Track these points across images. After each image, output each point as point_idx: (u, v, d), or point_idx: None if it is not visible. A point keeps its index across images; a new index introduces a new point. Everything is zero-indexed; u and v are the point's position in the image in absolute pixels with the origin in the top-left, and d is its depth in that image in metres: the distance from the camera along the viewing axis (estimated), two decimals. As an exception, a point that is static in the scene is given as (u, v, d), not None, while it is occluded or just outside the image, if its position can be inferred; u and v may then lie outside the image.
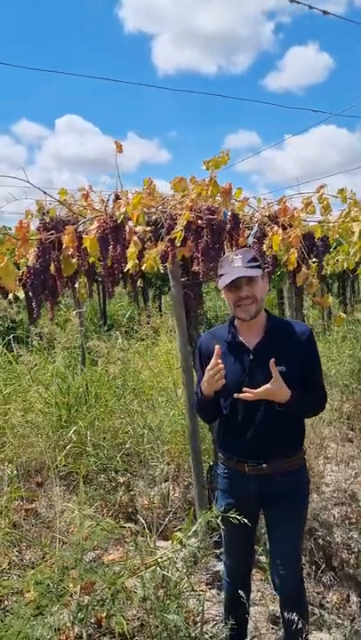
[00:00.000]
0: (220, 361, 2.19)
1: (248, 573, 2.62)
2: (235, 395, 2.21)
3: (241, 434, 2.32)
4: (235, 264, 2.23)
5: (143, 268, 2.55)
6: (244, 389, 2.19)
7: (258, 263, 2.26)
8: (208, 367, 2.21)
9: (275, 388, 2.15)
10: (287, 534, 2.36)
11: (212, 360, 2.20)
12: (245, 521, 2.20)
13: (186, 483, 4.29)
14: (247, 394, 2.17)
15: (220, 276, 2.27)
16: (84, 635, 2.43)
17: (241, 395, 2.19)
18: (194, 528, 2.46)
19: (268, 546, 2.55)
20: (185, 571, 2.57)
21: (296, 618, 2.21)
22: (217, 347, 2.21)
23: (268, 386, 2.15)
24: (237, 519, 2.20)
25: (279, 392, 2.16)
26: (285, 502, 2.31)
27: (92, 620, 2.74)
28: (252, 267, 2.22)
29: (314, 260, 3.35)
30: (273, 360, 2.15)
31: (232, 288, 2.23)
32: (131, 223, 2.50)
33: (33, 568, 2.95)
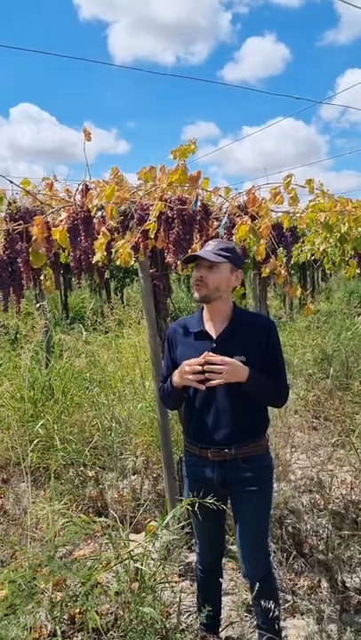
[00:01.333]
0: (202, 360, 2.22)
1: (219, 561, 2.65)
2: (205, 384, 2.23)
3: (203, 419, 2.36)
4: (207, 247, 2.31)
5: (118, 262, 2.50)
6: (207, 356, 2.22)
7: (228, 255, 2.29)
8: (189, 361, 2.25)
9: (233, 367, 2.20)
10: (253, 520, 2.40)
11: (199, 358, 2.24)
12: (216, 505, 2.23)
13: (155, 475, 4.28)
14: (212, 359, 2.20)
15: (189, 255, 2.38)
16: (58, 632, 2.40)
17: (205, 385, 2.23)
18: (167, 520, 2.45)
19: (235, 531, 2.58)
20: (159, 563, 2.56)
21: (269, 605, 2.23)
22: (207, 353, 2.25)
23: (229, 359, 2.20)
24: (206, 503, 2.22)
25: (238, 369, 2.21)
26: (249, 488, 2.34)
27: (66, 617, 2.70)
28: (217, 254, 2.26)
29: (282, 250, 3.36)
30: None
31: (197, 267, 2.31)
32: (100, 214, 2.45)
33: (2, 566, 2.89)
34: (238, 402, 2.30)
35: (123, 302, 12.16)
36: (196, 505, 2.27)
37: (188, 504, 2.33)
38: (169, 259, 2.50)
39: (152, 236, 2.51)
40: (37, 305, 5.70)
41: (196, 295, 2.33)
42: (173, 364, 2.45)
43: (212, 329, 2.37)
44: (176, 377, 2.34)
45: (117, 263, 2.41)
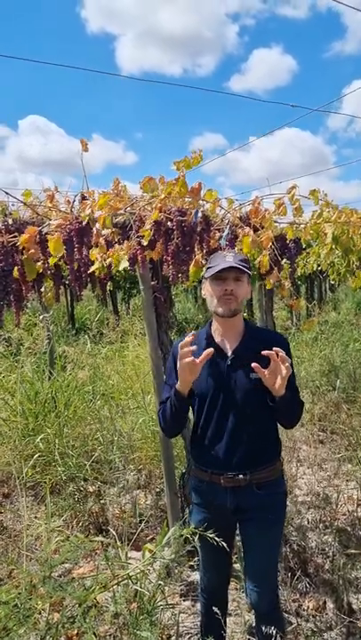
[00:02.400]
0: (192, 348, 2.03)
1: (225, 587, 2.52)
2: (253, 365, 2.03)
3: (215, 444, 2.23)
4: (227, 258, 2.19)
5: (113, 270, 2.45)
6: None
7: (248, 265, 2.22)
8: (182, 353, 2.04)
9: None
10: (264, 550, 2.29)
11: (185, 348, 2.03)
12: (223, 544, 2.10)
13: (158, 490, 4.21)
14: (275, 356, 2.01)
15: (209, 268, 2.22)
16: (54, 655, 2.32)
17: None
18: (164, 541, 2.37)
19: (243, 557, 2.48)
20: (158, 583, 2.48)
21: (273, 631, 2.14)
22: (190, 335, 2.07)
23: (278, 381, 2.04)
24: (215, 539, 2.09)
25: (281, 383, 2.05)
26: (262, 516, 2.23)
27: (63, 639, 2.63)
28: (243, 266, 2.17)
29: (286, 261, 3.31)
30: (255, 364, 2.03)
31: (219, 281, 2.17)
32: (98, 225, 2.41)
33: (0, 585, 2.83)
34: (253, 424, 2.20)
35: (129, 313, 12.13)
36: (204, 530, 2.17)
37: (201, 532, 2.22)
38: (166, 271, 2.44)
39: (145, 243, 2.45)
40: (41, 317, 5.68)
41: (224, 310, 2.17)
42: None
43: (225, 344, 2.26)
44: (180, 377, 2.11)
45: (112, 271, 2.35)
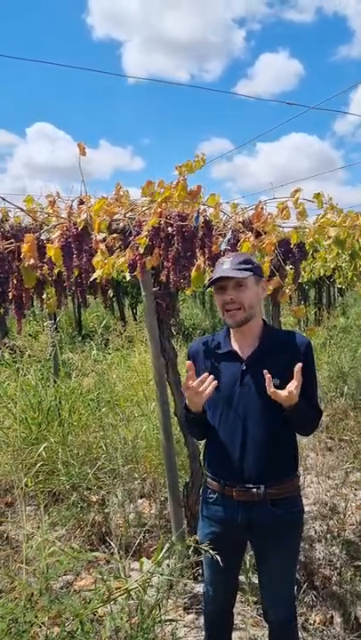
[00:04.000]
0: (196, 377, 2.02)
1: (231, 601, 2.39)
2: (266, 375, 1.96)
3: (229, 453, 2.11)
4: (224, 266, 2.07)
5: (118, 276, 2.40)
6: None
7: (249, 266, 2.08)
8: (188, 384, 2.03)
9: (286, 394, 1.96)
10: (281, 569, 2.18)
11: (190, 377, 2.03)
12: (228, 557, 2.04)
13: (162, 498, 4.14)
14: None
15: (210, 278, 2.12)
16: (53, 671, 2.26)
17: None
18: (162, 554, 2.29)
19: (256, 569, 2.40)
20: (159, 597, 2.42)
21: None
22: (188, 362, 2.06)
23: (285, 392, 1.96)
24: (218, 560, 2.03)
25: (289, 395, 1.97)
26: (279, 535, 2.11)
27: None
28: (241, 269, 2.04)
29: (291, 267, 3.24)
30: (268, 375, 1.96)
31: (219, 290, 2.08)
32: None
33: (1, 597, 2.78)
34: (271, 432, 2.07)
35: (136, 319, 12.08)
36: (211, 544, 2.11)
37: (205, 549, 2.14)
38: (163, 277, 2.39)
39: (141, 251, 2.40)
40: (46, 323, 5.65)
41: (229, 321, 2.09)
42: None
43: (241, 349, 2.15)
44: (189, 403, 2.10)
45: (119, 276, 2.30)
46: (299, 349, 2.12)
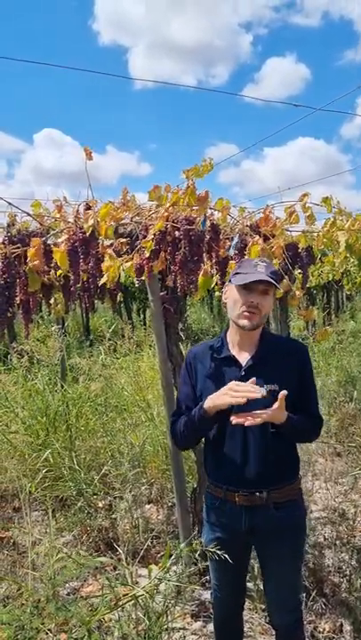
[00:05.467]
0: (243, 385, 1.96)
1: (239, 607, 2.39)
2: (232, 419, 1.95)
3: (231, 458, 2.11)
4: (258, 269, 2.06)
5: (125, 281, 2.39)
6: (234, 416, 1.95)
7: (277, 277, 2.11)
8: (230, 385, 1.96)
9: (274, 413, 1.95)
10: (285, 573, 2.18)
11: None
12: (234, 561, 2.02)
13: (170, 504, 4.12)
14: (244, 420, 1.93)
15: (237, 274, 2.10)
16: None
17: (237, 420, 1.94)
18: (170, 561, 2.27)
19: (261, 575, 2.39)
20: (165, 604, 2.39)
21: None
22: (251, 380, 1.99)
23: (268, 412, 1.94)
24: (227, 558, 2.01)
25: (278, 413, 1.96)
26: (282, 539, 2.11)
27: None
28: (273, 278, 2.05)
29: (299, 271, 3.22)
30: (284, 392, 1.94)
31: (244, 291, 2.05)
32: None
33: (5, 605, 2.76)
34: (269, 437, 2.07)
35: (145, 324, 12.09)
36: (217, 549, 2.09)
37: (210, 555, 2.14)
38: (169, 282, 2.38)
39: (147, 255, 2.39)
40: (54, 328, 5.65)
41: (246, 323, 2.05)
42: (194, 393, 2.20)
43: (239, 354, 2.15)
44: (213, 397, 2.03)
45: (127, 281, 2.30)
46: (296, 356, 2.15)
